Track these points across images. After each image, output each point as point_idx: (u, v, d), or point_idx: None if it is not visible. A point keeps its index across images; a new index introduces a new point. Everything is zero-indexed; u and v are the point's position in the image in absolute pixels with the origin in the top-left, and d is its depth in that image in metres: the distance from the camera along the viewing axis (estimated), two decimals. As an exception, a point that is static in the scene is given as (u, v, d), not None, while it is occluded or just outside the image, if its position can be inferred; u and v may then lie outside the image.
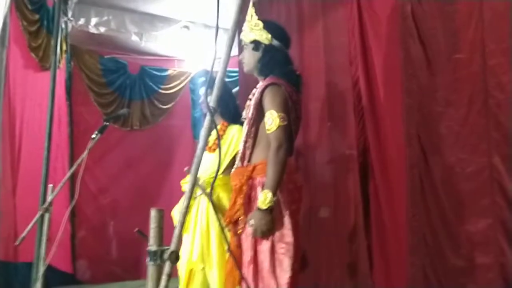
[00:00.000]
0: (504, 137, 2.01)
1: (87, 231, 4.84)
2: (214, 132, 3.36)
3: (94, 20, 4.49)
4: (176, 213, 3.05)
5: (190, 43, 4.82)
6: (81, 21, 4.45)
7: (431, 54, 2.38)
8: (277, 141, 2.11)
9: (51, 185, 2.71)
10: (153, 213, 1.20)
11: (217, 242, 2.96)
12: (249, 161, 2.27)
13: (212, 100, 1.26)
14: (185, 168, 3.04)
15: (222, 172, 3.29)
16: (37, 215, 2.55)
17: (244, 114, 2.41)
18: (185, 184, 2.98)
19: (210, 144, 3.37)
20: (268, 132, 2.15)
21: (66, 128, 4.68)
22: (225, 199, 3.12)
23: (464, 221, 2.14)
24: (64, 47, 4.43)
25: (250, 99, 2.34)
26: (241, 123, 3.28)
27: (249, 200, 2.15)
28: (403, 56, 2.51)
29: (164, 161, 5.04)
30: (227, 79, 4.75)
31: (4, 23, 3.63)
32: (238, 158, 2.36)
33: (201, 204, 3.26)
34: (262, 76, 2.34)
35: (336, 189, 2.92)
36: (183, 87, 5.26)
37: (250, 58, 2.37)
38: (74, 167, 2.77)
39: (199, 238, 3.11)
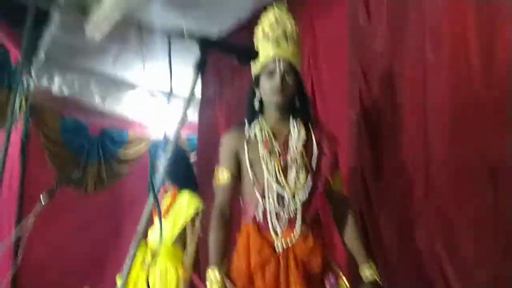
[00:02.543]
0: (438, 170, 2.04)
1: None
2: (166, 199, 3.34)
3: (57, 81, 4.49)
4: (121, 276, 2.93)
5: (154, 109, 4.88)
6: (44, 81, 4.44)
7: (375, 95, 2.38)
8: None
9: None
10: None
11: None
12: (310, 225, 1.82)
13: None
14: None
15: (173, 243, 3.21)
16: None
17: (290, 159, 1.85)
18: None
19: (162, 211, 3.31)
20: (340, 189, 1.91)
21: (17, 188, 4.53)
22: (171, 272, 3.03)
23: (403, 252, 2.12)
24: (23, 106, 4.39)
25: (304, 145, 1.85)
26: (193, 189, 3.24)
27: None
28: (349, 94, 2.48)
29: (118, 226, 4.89)
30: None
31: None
32: (297, 217, 1.78)
33: (153, 273, 3.16)
34: (296, 114, 1.88)
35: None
36: (142, 151, 5.24)
37: (294, 87, 1.86)
38: (17, 233, 2.67)
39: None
